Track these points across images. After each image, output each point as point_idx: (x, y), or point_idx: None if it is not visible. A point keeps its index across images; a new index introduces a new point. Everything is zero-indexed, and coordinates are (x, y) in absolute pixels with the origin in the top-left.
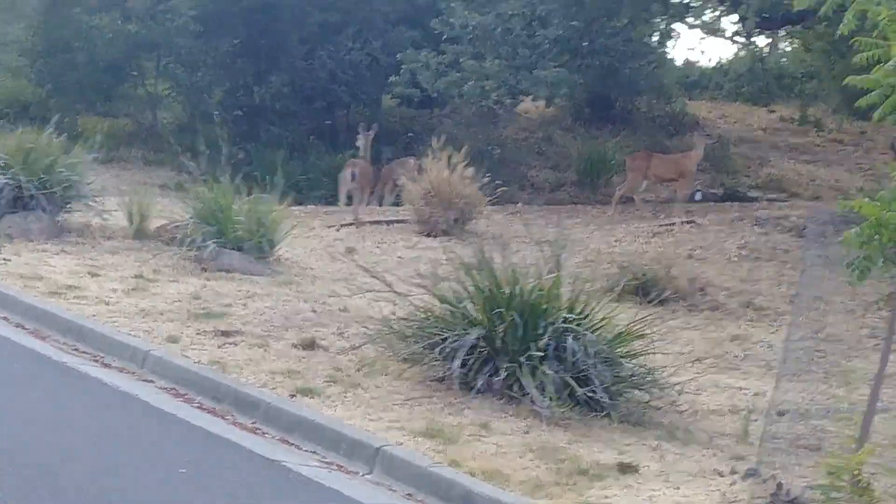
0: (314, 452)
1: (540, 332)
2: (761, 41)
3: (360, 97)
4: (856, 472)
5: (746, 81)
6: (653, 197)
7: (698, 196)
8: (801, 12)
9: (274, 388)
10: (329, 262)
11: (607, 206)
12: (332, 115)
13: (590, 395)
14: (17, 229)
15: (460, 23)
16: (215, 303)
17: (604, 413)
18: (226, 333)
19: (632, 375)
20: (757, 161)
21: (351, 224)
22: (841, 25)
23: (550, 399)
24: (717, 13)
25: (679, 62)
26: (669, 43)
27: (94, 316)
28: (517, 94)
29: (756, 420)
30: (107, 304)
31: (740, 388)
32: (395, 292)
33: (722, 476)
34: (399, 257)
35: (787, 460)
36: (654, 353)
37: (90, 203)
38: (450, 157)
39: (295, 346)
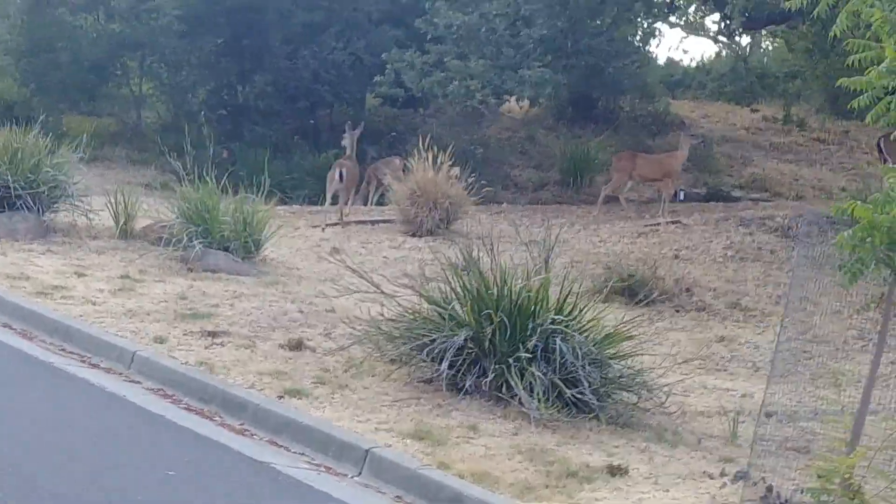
0: (303, 454)
1: (528, 333)
2: (744, 40)
3: (343, 96)
4: (847, 476)
5: (729, 81)
6: (636, 196)
7: (681, 195)
8: (785, 12)
9: (262, 390)
10: (315, 262)
11: (591, 206)
12: (316, 114)
13: (578, 396)
14: (3, 229)
15: (444, 23)
16: (202, 303)
17: (592, 415)
18: (213, 334)
19: (620, 377)
20: (740, 160)
21: (336, 224)
22: (834, 26)
23: (539, 400)
24: (700, 13)
25: (661, 61)
26: (653, 42)
27: (81, 316)
28: (502, 94)
29: (743, 422)
30: (93, 304)
31: (727, 390)
32: (382, 293)
33: (711, 478)
34: (384, 257)
35: (777, 463)
36: (641, 355)
37: (76, 203)
38: (435, 157)
39: (282, 346)
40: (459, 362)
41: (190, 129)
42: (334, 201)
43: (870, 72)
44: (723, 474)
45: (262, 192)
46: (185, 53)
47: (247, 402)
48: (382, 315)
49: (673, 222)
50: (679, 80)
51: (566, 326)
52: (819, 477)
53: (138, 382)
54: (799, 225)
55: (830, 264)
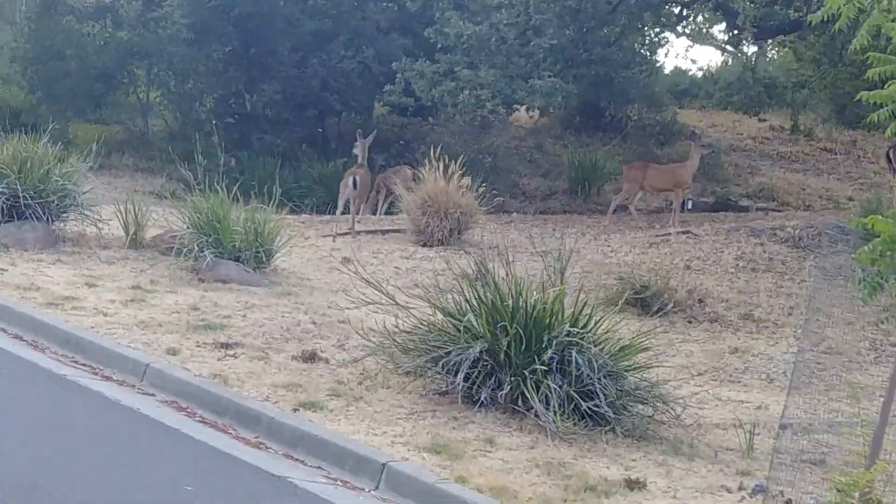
0: (319, 468)
1: (544, 345)
2: (750, 49)
3: (351, 105)
4: (867, 490)
5: (736, 90)
6: (643, 206)
7: (689, 204)
8: (795, 22)
9: (276, 402)
10: (326, 272)
11: (599, 215)
12: (324, 122)
13: (594, 409)
14: (12, 238)
15: (455, 32)
16: (214, 314)
17: (608, 427)
18: (226, 346)
19: (636, 389)
20: (747, 169)
21: (347, 233)
22: (854, 41)
23: (555, 413)
24: (708, 22)
25: (668, 71)
26: (660, 51)
27: (92, 327)
28: (512, 104)
29: (759, 434)
30: (105, 315)
31: (742, 402)
32: (396, 304)
33: (730, 492)
34: (396, 268)
35: (794, 476)
36: (656, 367)
37: (85, 212)
38: (446, 167)
39: (296, 358)
40: (475, 375)
41: (197, 137)
42: (346, 210)
43: (891, 85)
44: (741, 488)
45: (273, 202)
46: (192, 61)
47: (261, 415)
48: (397, 327)
49: (683, 232)
50: (686, 89)
51: (582, 338)
52: (838, 491)
53: (152, 395)
54: (810, 236)
55: (843, 275)
